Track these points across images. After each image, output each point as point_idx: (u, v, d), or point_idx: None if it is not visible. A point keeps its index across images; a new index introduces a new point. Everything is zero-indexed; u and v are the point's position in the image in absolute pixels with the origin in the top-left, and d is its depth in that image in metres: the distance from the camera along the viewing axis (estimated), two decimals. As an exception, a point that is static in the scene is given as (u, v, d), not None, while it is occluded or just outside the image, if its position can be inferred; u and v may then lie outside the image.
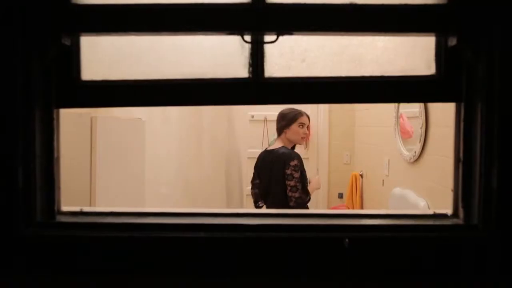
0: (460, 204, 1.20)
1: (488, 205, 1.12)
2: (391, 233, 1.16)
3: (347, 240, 1.11)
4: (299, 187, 3.03)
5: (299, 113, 3.21)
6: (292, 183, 3.03)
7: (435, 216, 1.24)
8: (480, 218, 1.14)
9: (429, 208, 2.82)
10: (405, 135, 3.43)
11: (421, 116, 2.98)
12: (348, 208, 4.70)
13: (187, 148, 3.43)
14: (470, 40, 1.13)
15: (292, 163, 3.05)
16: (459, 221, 1.20)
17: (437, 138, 2.82)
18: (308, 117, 3.28)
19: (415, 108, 3.16)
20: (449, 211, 1.24)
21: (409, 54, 1.24)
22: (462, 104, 1.18)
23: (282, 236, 1.15)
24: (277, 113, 3.33)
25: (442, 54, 1.20)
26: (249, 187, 3.53)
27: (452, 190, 1.23)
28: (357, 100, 1.37)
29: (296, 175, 3.03)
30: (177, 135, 3.24)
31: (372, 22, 1.14)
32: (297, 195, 3.02)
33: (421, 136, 2.98)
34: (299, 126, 3.20)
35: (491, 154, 1.12)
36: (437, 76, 1.21)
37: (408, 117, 3.41)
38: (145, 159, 2.41)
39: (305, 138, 3.34)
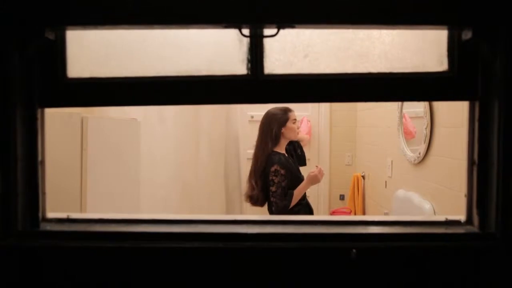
0: (474, 211, 1.11)
1: (507, 211, 1.04)
2: (400, 243, 1.08)
3: (354, 250, 1.03)
4: (279, 192, 2.98)
5: (288, 110, 3.10)
6: (273, 188, 3.00)
7: (447, 223, 1.16)
8: (498, 226, 1.05)
9: (434, 211, 2.73)
10: (407, 135, 3.34)
11: (425, 116, 2.89)
12: (350, 211, 4.61)
13: (184, 149, 3.35)
14: (486, 33, 1.04)
15: (272, 169, 3.01)
16: (474, 228, 1.11)
17: (442, 139, 2.74)
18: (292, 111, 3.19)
19: (418, 108, 3.07)
20: (462, 217, 1.15)
21: (419, 49, 1.16)
22: (477, 103, 1.10)
23: (283, 246, 1.07)
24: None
25: (455, 48, 1.11)
26: (249, 188, 3.47)
27: (465, 195, 1.14)
28: (363, 98, 1.29)
29: (277, 179, 3.00)
30: (174, 136, 3.15)
31: (379, 13, 1.06)
32: (277, 200, 2.96)
33: (425, 136, 2.90)
34: (293, 122, 3.11)
35: (510, 156, 1.03)
36: (449, 73, 1.12)
37: (410, 117, 3.32)
38: (140, 161, 2.33)
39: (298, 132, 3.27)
